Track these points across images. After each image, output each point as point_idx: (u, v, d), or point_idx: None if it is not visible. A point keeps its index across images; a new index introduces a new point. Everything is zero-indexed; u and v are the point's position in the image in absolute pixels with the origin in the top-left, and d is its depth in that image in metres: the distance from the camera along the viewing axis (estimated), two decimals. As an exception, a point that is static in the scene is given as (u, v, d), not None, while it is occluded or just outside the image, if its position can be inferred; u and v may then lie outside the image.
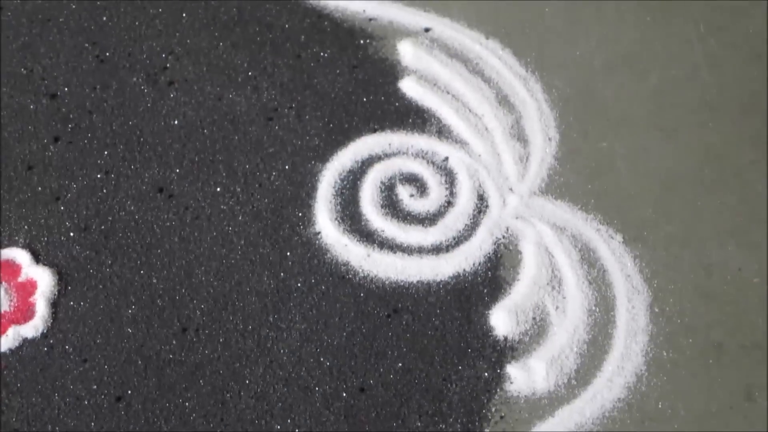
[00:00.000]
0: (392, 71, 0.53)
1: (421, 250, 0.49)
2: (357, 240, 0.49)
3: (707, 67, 0.54)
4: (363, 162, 0.51)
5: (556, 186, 0.51)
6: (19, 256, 0.48)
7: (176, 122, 0.51)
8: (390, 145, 0.51)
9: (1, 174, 0.50)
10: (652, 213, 0.50)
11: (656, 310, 0.48)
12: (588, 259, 0.49)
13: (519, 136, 0.51)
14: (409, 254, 0.49)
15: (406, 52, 0.53)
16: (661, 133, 0.52)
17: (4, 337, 0.47)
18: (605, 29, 0.55)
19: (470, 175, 0.50)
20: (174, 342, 0.47)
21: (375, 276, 0.49)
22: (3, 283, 0.48)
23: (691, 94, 0.53)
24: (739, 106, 0.53)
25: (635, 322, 0.47)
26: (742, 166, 0.51)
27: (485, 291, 0.48)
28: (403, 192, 0.51)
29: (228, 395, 0.45)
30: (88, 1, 0.54)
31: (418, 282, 0.48)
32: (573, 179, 0.51)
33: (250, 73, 0.53)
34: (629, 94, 0.53)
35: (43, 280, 0.48)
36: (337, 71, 0.53)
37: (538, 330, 0.47)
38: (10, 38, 0.52)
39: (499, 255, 0.49)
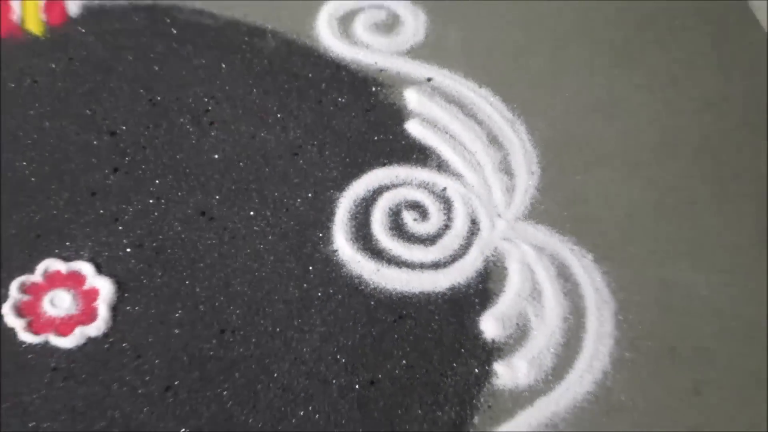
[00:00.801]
0: (399, 114, 0.56)
1: (422, 266, 0.52)
2: (368, 257, 0.52)
3: (666, 113, 0.57)
4: (374, 191, 0.54)
5: (537, 213, 0.54)
6: (84, 268, 0.52)
7: (216, 156, 0.54)
8: (397, 176, 0.55)
9: (69, 199, 0.53)
10: (618, 236, 0.53)
11: (620, 318, 0.51)
12: (564, 274, 0.52)
13: (506, 170, 0.55)
14: (412, 269, 0.52)
15: (411, 98, 0.56)
16: (626, 169, 0.55)
17: (71, 336, 0.50)
18: (580, 80, 0.58)
19: (465, 203, 0.53)
20: (214, 341, 0.49)
21: (383, 287, 0.52)
22: (71, 290, 0.51)
23: (652, 136, 0.56)
24: (692, 147, 0.56)
25: (603, 328, 0.50)
26: (695, 197, 0.54)
27: (476, 300, 0.51)
28: (408, 217, 0.53)
29: (259, 386, 0.48)
30: (142, 54, 0.57)
31: (419, 293, 0.51)
32: (551, 207, 0.54)
33: (279, 116, 0.56)
34: (600, 135, 0.56)
35: (104, 288, 0.51)
36: (353, 114, 0.56)
37: (520, 334, 0.50)
38: (78, 85, 0.55)
39: (488, 270, 0.52)
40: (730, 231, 0.53)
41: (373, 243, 0.53)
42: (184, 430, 0.47)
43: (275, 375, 0.49)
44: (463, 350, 0.50)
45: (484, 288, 0.52)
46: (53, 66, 0.59)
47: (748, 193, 0.54)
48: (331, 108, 0.57)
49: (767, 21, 0.59)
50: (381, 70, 0.58)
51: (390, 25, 0.60)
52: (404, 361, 0.50)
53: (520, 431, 0.47)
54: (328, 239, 0.53)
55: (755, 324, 0.51)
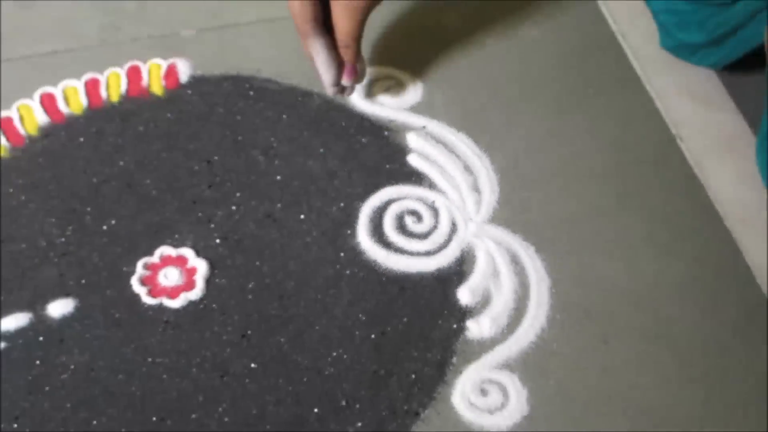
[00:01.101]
0: (403, 150, 0.55)
1: (418, 254, 0.51)
2: (381, 247, 0.52)
3: (589, 149, 0.56)
4: (386, 202, 0.53)
5: (497, 218, 0.53)
6: (188, 252, 0.51)
7: (278, 177, 0.53)
8: (401, 192, 0.54)
9: (178, 207, 0.52)
10: (553, 234, 0.52)
11: (553, 291, 0.50)
12: (515, 260, 0.51)
13: (476, 188, 0.54)
14: (411, 256, 0.51)
15: (412, 139, 0.56)
16: (560, 188, 0.54)
17: (178, 299, 0.49)
18: (529, 125, 0.57)
19: (447, 211, 0.53)
20: (275, 303, 0.49)
21: (391, 268, 0.51)
22: (179, 268, 0.51)
23: (579, 165, 0.55)
24: (606, 174, 0.55)
25: (541, 298, 0.49)
26: (607, 210, 0.53)
27: (455, 278, 0.50)
28: (408, 220, 0.53)
29: (305, 335, 0.48)
30: (229, 108, 0.57)
31: (416, 272, 0.50)
32: (507, 214, 0.53)
33: (321, 150, 0.55)
34: (539, 166, 0.55)
35: (201, 266, 0.50)
36: (372, 150, 0.55)
37: (484, 301, 0.49)
38: (185, 128, 0.56)
39: (463, 257, 0.51)
40: (627, 231, 0.53)
41: (385, 237, 0.52)
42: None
43: (317, 327, 0.49)
44: (445, 312, 0.49)
45: (460, 269, 0.51)
46: (169, 116, 0.59)
47: (643, 207, 0.54)
48: (357, 146, 0.56)
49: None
50: (391, 120, 0.57)
51: (397, 89, 0.59)
52: (405, 319, 0.49)
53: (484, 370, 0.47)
54: (353, 235, 0.52)
55: (643, 295, 0.50)
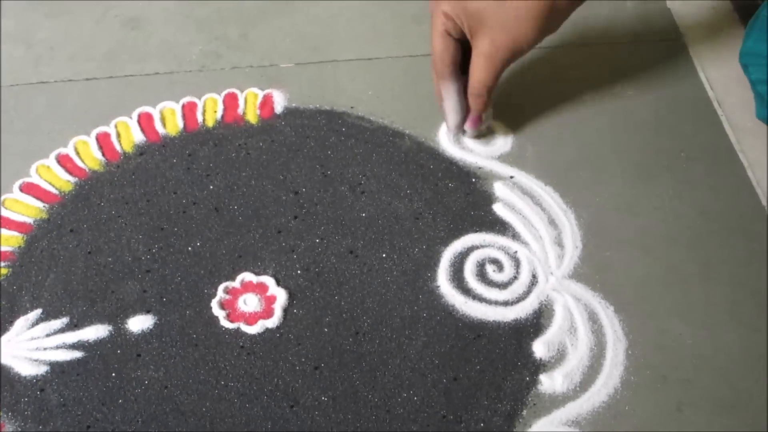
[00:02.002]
0: (489, 198, 0.61)
1: (496, 303, 0.56)
2: (460, 293, 0.57)
3: (672, 217, 0.61)
4: (468, 248, 0.59)
5: (578, 274, 0.58)
6: (268, 281, 0.58)
7: (364, 215, 0.59)
8: (484, 240, 0.59)
9: (263, 234, 0.59)
10: (632, 295, 0.56)
11: (630, 352, 0.54)
12: (592, 318, 0.55)
13: (559, 243, 0.59)
14: (489, 304, 0.56)
15: (498, 188, 0.61)
16: (642, 250, 0.59)
17: (255, 326, 0.56)
18: (615, 187, 0.62)
19: (529, 263, 0.58)
20: (350, 339, 0.54)
21: (469, 315, 0.56)
22: (258, 295, 0.57)
23: (662, 231, 0.60)
24: (689, 241, 0.59)
25: (617, 358, 0.53)
26: (689, 275, 0.57)
27: (531, 330, 0.55)
28: (489, 268, 0.58)
29: (378, 373, 0.53)
30: (321, 142, 0.64)
31: (493, 321, 0.55)
32: (587, 271, 0.58)
33: (408, 191, 0.61)
34: (625, 226, 0.60)
35: (280, 295, 0.57)
36: (458, 195, 0.61)
37: (559, 356, 0.54)
38: (276, 158, 0.62)
39: (541, 310, 0.56)
40: (710, 299, 0.57)
41: (464, 283, 0.58)
42: None
43: (389, 367, 0.55)
44: (519, 363, 0.54)
45: (537, 322, 0.56)
46: (261, 144, 0.68)
47: (728, 278, 0.58)
48: (444, 190, 0.63)
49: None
50: (479, 168, 0.64)
51: (488, 137, 0.66)
52: (478, 367, 0.54)
53: (554, 429, 0.51)
54: (433, 278, 0.59)
55: (722, 366, 0.54)
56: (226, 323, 0.57)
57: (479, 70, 0.55)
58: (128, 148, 0.68)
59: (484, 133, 0.67)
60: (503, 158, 0.66)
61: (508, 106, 0.69)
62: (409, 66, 0.74)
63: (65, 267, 0.61)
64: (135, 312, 0.57)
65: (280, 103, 0.70)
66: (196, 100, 0.70)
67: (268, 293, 0.58)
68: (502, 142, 0.67)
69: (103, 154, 0.68)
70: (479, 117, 0.63)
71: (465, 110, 0.63)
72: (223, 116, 0.69)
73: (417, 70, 0.73)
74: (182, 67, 0.74)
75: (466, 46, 0.59)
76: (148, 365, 0.55)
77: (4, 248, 0.62)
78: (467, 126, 0.64)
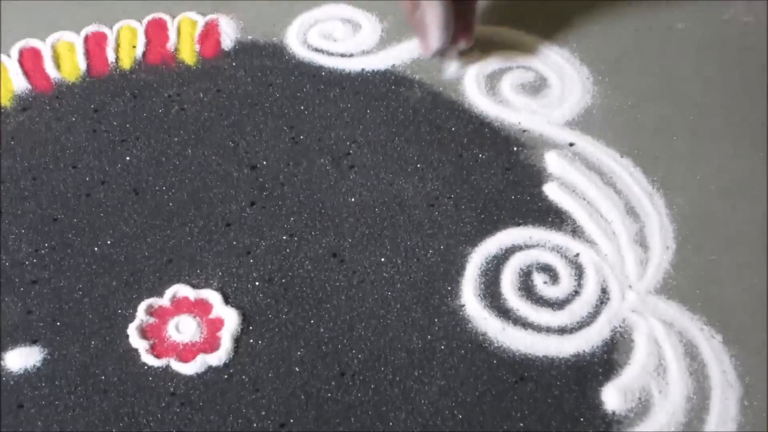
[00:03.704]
0: (538, 176, 0.60)
1: (548, 330, 0.55)
2: (495, 315, 0.56)
3: None
4: (506, 250, 0.58)
5: (669, 288, 0.57)
6: (212, 297, 0.56)
7: (353, 200, 0.58)
8: (531, 238, 0.58)
9: (204, 227, 0.58)
10: (750, 320, 0.55)
11: (746, 404, 0.52)
12: (690, 353, 0.54)
13: (641, 242, 0.58)
14: (538, 332, 0.55)
15: (552, 161, 0.60)
16: (763, 253, 0.58)
17: (193, 363, 0.54)
18: (723, 160, 0.61)
19: (596, 271, 0.57)
20: (333, 383, 0.53)
21: (507, 347, 0.55)
22: (197, 317, 0.56)
23: None
24: None
25: (727, 412, 0.52)
26: None
27: (600, 370, 0.54)
28: (538, 279, 0.57)
29: (374, 428, 0.51)
30: (290, 92, 0.62)
31: (543, 356, 0.54)
32: (684, 284, 0.57)
33: (418, 165, 0.60)
34: (740, 217, 0.59)
35: (229, 318, 0.55)
36: (492, 171, 0.60)
37: (641, 409, 0.53)
38: (223, 116, 0.61)
39: (614, 341, 0.55)
40: None
41: (501, 301, 0.57)
42: None
43: (391, 424, 0.53)
44: (582, 419, 0.53)
45: (608, 358, 0.55)
46: (201, 96, 0.66)
47: None
48: (471, 163, 0.62)
49: None
50: (524, 131, 0.63)
51: (537, 85, 0.65)
52: (521, 424, 0.53)
53: None
54: (456, 293, 0.58)
55: None
56: (149, 359, 0.55)
57: None
58: (5, 100, 0.66)
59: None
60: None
61: (567, 35, 0.68)
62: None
63: None
64: (15, 342, 0.56)
65: (229, 34, 0.69)
66: (105, 29, 0.69)
67: (212, 315, 0.57)
68: (559, 91, 0.66)
69: (-33, 110, 0.66)
70: (473, 27, 0.64)
71: (452, 22, 0.63)
72: (145, 54, 0.68)
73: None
74: (85, -20, 0.71)
75: None
76: (34, 420, 0.54)
77: None
78: (463, 41, 0.65)
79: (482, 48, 0.68)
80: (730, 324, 0.57)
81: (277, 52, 0.68)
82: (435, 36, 0.62)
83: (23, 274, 0.59)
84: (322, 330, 0.57)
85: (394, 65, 0.66)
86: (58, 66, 0.66)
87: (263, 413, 0.54)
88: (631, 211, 0.61)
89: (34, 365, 0.56)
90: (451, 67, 0.64)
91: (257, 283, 0.59)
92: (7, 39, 0.67)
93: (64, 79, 0.66)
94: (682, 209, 0.61)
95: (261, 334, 0.57)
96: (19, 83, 0.66)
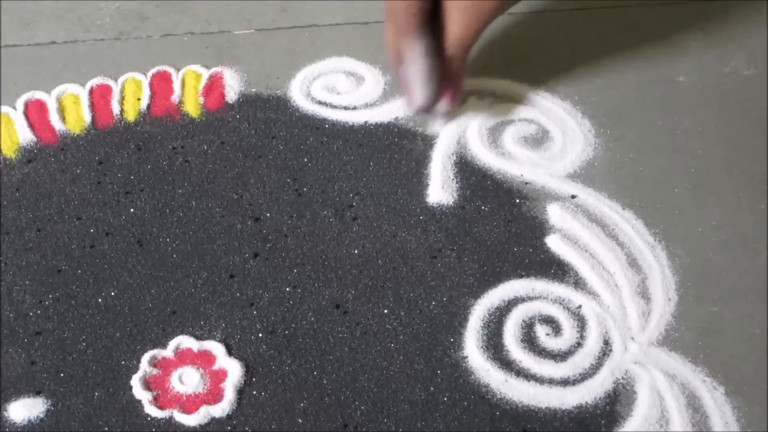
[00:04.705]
0: (541, 228, 0.61)
1: (551, 382, 0.56)
2: (498, 366, 0.57)
3: None
4: (509, 301, 0.59)
5: (671, 340, 0.58)
6: (216, 348, 0.57)
7: (356, 251, 0.60)
8: (533, 289, 0.59)
9: (208, 279, 0.59)
10: (752, 372, 0.56)
11: None
12: (693, 404, 0.55)
13: (643, 294, 0.59)
14: (540, 384, 0.56)
15: (554, 213, 0.61)
16: (764, 305, 0.58)
17: (195, 414, 0.55)
18: (724, 212, 0.62)
19: (599, 323, 0.58)
20: None
21: (510, 399, 0.56)
22: (200, 369, 0.57)
23: None
24: None
25: None
26: None
27: (602, 422, 0.54)
28: (541, 330, 0.58)
29: None
30: (293, 145, 0.64)
31: (546, 408, 0.55)
32: (686, 335, 0.57)
33: (420, 217, 0.61)
34: (741, 268, 0.60)
35: (233, 370, 0.56)
36: (494, 223, 0.61)
37: None
38: (227, 168, 0.62)
39: (617, 393, 0.55)
40: None
41: (504, 353, 0.58)
42: None
43: None
44: None
45: (611, 410, 0.56)
46: (205, 148, 0.68)
47: None
48: (474, 215, 0.63)
49: None
50: (526, 183, 0.64)
51: (539, 137, 0.66)
52: None
53: None
54: (459, 345, 0.59)
55: None
56: (153, 410, 0.57)
57: (455, 24, 0.60)
58: (9, 152, 0.68)
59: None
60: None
61: (570, 88, 0.70)
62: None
63: None
64: (18, 393, 0.57)
65: (233, 87, 0.70)
66: (110, 82, 0.70)
67: (215, 367, 0.58)
68: (561, 144, 0.68)
69: (-28, 164, 0.67)
70: (460, 89, 0.65)
71: (438, 80, 0.64)
72: (149, 106, 0.69)
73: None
74: (90, 33, 0.73)
75: None
76: (38, 474, 0.54)
77: None
78: (445, 103, 0.65)
79: (484, 100, 0.69)
80: (733, 376, 0.58)
81: (281, 104, 0.69)
82: (417, 93, 0.64)
83: (27, 325, 0.60)
84: (325, 381, 0.58)
85: (397, 118, 0.68)
86: (63, 118, 0.68)
87: (266, 466, 0.54)
88: (633, 263, 0.62)
89: (38, 416, 0.57)
90: (436, 125, 0.66)
91: (260, 335, 0.60)
92: (13, 91, 0.68)
93: (69, 131, 0.67)
94: (683, 261, 0.62)
95: (264, 386, 0.58)
96: (24, 135, 0.67)
